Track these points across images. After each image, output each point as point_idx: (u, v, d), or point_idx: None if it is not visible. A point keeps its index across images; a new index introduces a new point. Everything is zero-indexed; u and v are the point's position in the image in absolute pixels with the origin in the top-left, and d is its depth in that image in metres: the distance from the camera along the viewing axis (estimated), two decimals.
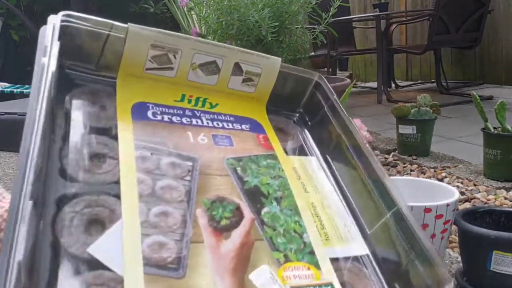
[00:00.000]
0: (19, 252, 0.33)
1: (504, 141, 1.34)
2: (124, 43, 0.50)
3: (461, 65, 3.76)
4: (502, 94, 2.98)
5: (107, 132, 0.48)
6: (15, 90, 2.19)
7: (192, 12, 1.71)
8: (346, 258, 0.48)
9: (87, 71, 0.51)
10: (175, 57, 0.53)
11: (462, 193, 1.30)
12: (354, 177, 0.55)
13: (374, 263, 0.49)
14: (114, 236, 0.40)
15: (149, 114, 0.51)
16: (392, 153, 1.77)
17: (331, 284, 0.45)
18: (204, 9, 1.36)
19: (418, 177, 1.49)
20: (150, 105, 0.52)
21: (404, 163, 1.65)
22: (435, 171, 1.53)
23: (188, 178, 0.47)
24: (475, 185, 1.38)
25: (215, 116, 0.55)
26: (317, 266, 0.46)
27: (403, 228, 0.48)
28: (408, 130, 1.67)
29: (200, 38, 0.54)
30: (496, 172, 1.38)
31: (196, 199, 0.46)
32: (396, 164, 1.64)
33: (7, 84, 2.26)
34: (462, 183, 1.40)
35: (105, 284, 0.38)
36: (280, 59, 0.59)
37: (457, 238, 0.84)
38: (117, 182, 0.44)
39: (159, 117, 0.51)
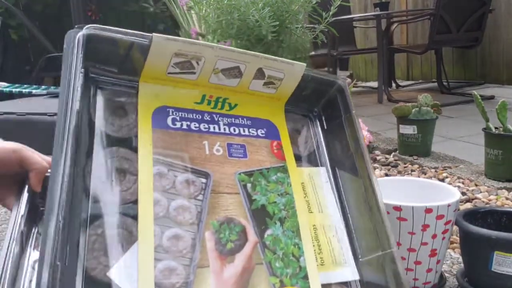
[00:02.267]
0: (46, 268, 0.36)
1: (506, 141, 1.34)
2: (147, 51, 0.50)
3: (462, 65, 3.76)
4: (504, 93, 2.97)
5: (128, 143, 0.50)
6: (13, 89, 2.18)
7: (192, 11, 1.71)
8: (337, 283, 0.53)
9: (110, 74, 0.52)
10: (198, 64, 0.53)
11: (463, 194, 1.30)
12: (357, 198, 0.58)
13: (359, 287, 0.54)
14: (130, 260, 0.43)
15: (169, 121, 0.53)
16: (393, 153, 1.76)
17: None
18: (204, 8, 1.35)
19: (419, 177, 1.48)
20: (171, 110, 0.53)
21: (405, 163, 1.64)
22: (436, 171, 1.52)
23: (200, 197, 0.50)
24: (476, 185, 1.37)
25: (233, 120, 0.57)
26: None
27: (392, 269, 0.53)
28: (409, 130, 1.66)
29: (224, 46, 0.54)
30: (497, 172, 1.38)
31: (206, 220, 0.48)
32: (397, 164, 1.63)
33: (6, 84, 2.25)
34: (463, 183, 1.40)
35: None
36: (304, 65, 0.58)
37: (458, 238, 0.83)
38: (135, 202, 0.46)
39: (178, 124, 0.53)
